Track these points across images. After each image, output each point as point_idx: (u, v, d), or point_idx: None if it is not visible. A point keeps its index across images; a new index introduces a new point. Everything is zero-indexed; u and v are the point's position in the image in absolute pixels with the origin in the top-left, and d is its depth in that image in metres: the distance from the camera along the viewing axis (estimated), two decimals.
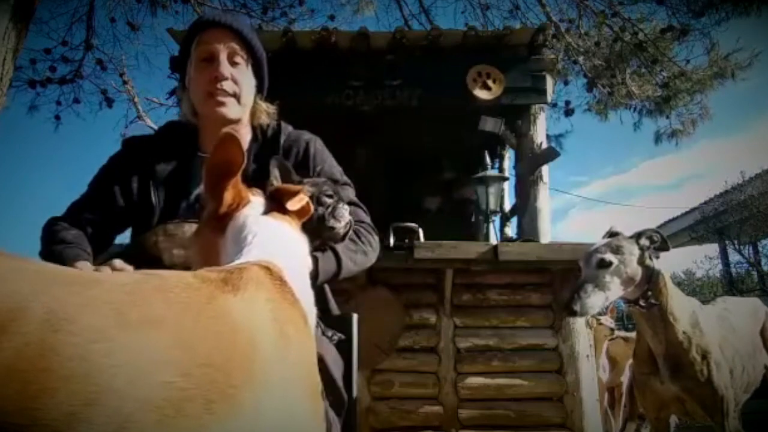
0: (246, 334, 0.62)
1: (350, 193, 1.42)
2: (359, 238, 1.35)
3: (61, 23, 5.80)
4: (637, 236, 2.08)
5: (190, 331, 0.57)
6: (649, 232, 2.08)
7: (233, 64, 1.31)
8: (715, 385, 2.05)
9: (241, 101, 1.34)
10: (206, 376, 0.54)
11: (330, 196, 1.19)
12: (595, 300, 1.96)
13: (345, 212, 1.20)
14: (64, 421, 0.44)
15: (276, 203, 0.96)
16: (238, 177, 0.90)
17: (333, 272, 1.25)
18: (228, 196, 0.90)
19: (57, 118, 6.21)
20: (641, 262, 2.05)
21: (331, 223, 1.17)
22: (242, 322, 0.63)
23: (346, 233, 1.23)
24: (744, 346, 2.33)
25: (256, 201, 0.95)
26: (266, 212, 0.94)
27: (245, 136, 1.40)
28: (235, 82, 1.31)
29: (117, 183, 1.33)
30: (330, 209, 1.18)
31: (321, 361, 1.11)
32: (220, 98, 1.30)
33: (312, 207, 1.03)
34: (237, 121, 1.36)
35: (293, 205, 0.95)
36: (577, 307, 1.94)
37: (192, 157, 1.37)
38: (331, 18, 6.02)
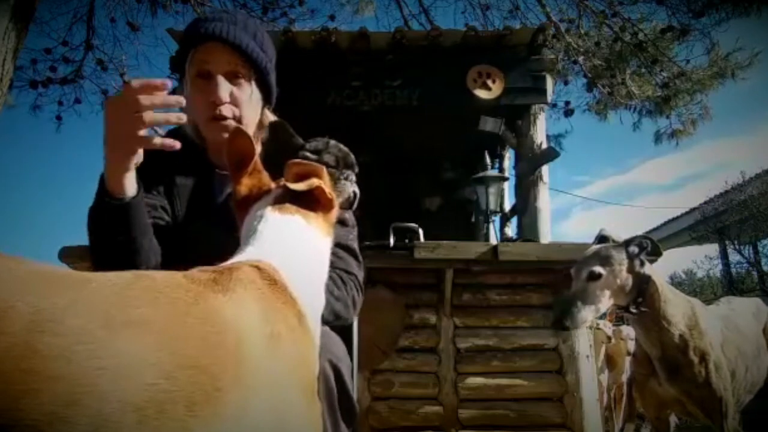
0: (234, 335, 0.61)
1: (351, 237, 1.30)
2: (344, 285, 1.22)
3: (61, 23, 5.82)
4: (626, 244, 2.05)
5: (176, 333, 0.56)
6: (639, 238, 2.06)
7: (233, 79, 1.21)
8: (714, 386, 2.04)
9: (243, 122, 1.24)
10: (190, 378, 0.53)
11: (334, 167, 1.09)
12: (585, 314, 1.98)
13: (348, 185, 1.09)
14: (45, 421, 0.44)
15: (291, 194, 0.86)
16: (257, 165, 0.91)
17: None
18: (243, 187, 0.91)
19: (58, 118, 6.22)
20: (631, 269, 2.04)
21: None
22: (230, 323, 0.62)
23: (349, 207, 1.14)
24: (749, 347, 2.31)
25: (276, 192, 0.89)
26: (280, 203, 0.86)
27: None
28: (235, 103, 1.22)
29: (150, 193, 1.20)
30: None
31: (337, 373, 1.05)
32: (222, 123, 1.21)
33: (333, 197, 0.91)
34: None
35: (296, 185, 0.83)
36: (568, 323, 1.97)
37: (209, 173, 1.30)
38: (331, 18, 6.03)
